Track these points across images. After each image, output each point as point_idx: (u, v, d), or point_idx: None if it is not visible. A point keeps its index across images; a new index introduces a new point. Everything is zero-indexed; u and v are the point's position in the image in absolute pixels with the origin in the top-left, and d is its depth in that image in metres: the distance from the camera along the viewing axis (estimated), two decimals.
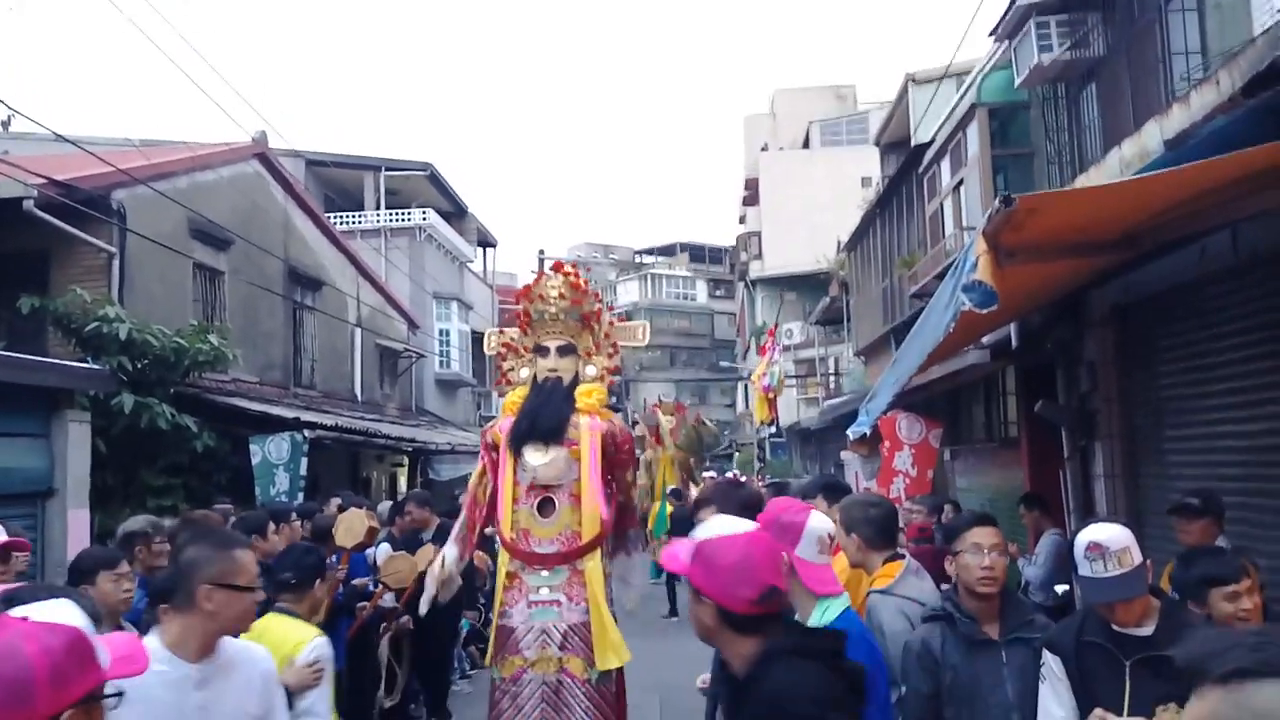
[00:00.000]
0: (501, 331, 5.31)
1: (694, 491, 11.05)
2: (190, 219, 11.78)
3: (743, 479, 13.67)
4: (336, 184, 22.25)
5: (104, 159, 9.87)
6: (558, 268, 5.07)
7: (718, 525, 2.37)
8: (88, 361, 8.62)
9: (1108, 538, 2.80)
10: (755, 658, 2.16)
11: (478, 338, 21.68)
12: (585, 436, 4.63)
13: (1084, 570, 2.82)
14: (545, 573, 4.53)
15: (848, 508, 3.70)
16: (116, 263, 10.38)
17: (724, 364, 44.99)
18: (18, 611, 1.62)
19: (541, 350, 4.88)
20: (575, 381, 4.84)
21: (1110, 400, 6.49)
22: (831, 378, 26.04)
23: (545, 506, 4.59)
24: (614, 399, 37.17)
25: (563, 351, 4.85)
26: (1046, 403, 6.98)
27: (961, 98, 10.83)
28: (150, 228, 10.57)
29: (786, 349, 26.40)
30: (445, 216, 24.07)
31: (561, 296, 4.88)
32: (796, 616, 2.78)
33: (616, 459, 4.83)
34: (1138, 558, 2.80)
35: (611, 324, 5.15)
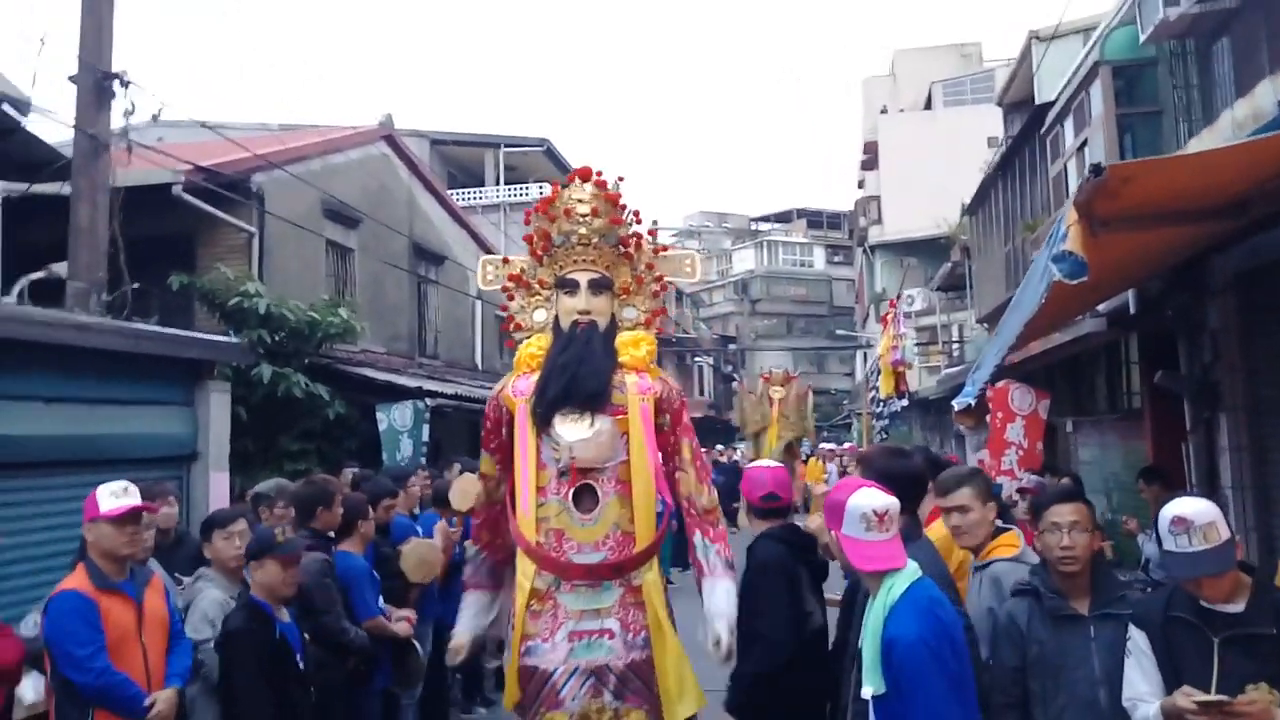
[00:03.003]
0: (506, 260, 4.03)
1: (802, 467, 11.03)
2: (322, 199, 12.36)
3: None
4: (458, 162, 22.87)
5: (243, 145, 10.49)
6: (585, 174, 3.75)
7: (760, 463, 4.35)
8: (231, 334, 9.23)
9: (1193, 512, 2.77)
10: (760, 534, 3.72)
11: None
12: (634, 402, 3.46)
13: (1169, 545, 2.80)
14: (590, 591, 3.34)
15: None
16: (256, 242, 11.00)
17: (841, 332, 44.28)
18: None
19: (568, 285, 3.65)
20: (614, 328, 3.66)
21: (1235, 370, 6.23)
22: (954, 345, 25.42)
23: (584, 498, 3.41)
24: (729, 368, 36.90)
25: (596, 288, 3.63)
26: (1167, 373, 6.74)
27: (1086, 56, 10.40)
28: (286, 209, 11.19)
29: (908, 316, 25.88)
30: None
31: (595, 214, 3.65)
32: (870, 592, 2.85)
33: (673, 430, 3.63)
34: (1225, 533, 2.77)
35: (656, 252, 3.89)
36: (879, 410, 17.04)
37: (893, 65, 37.05)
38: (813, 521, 4.61)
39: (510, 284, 3.89)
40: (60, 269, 7.73)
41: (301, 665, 3.90)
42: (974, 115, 29.04)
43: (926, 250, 28.32)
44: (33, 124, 8.26)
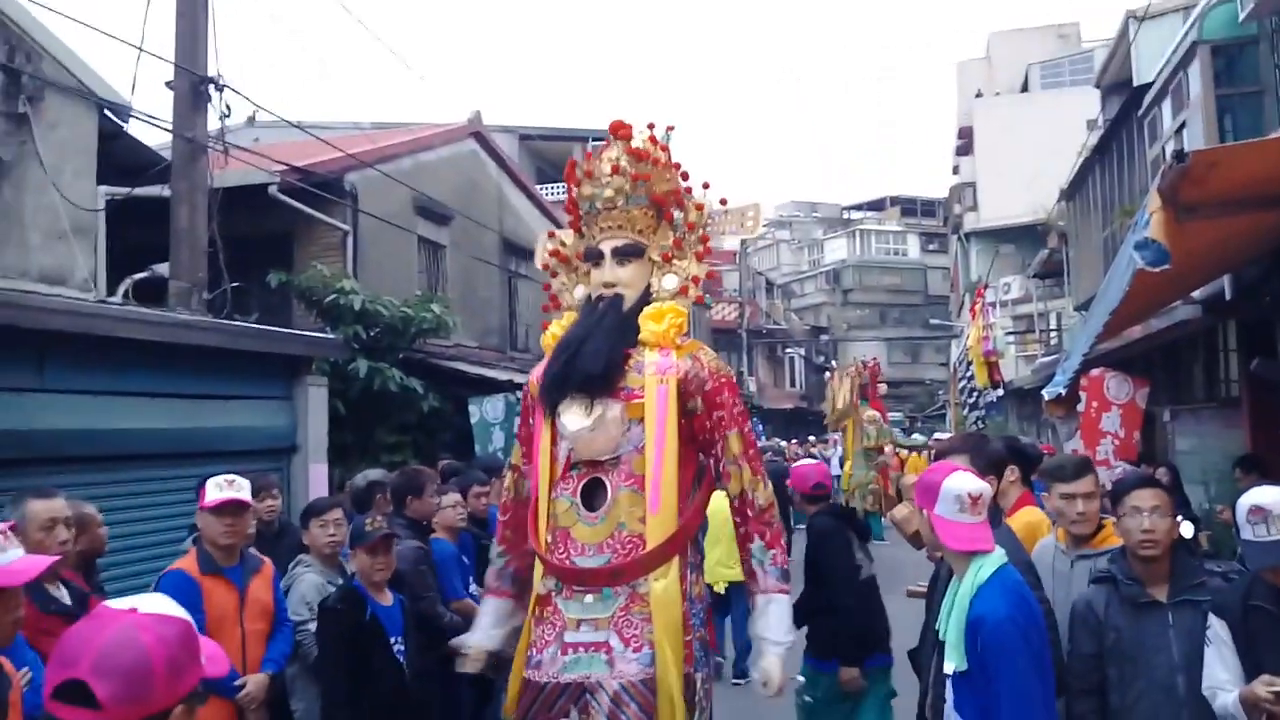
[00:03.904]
0: (551, 234, 3.61)
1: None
2: (414, 197, 12.68)
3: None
4: (547, 156, 23.16)
5: (336, 145, 10.83)
6: (617, 129, 3.26)
7: (804, 461, 5.69)
8: (328, 331, 9.57)
9: (1271, 501, 2.76)
10: (812, 515, 4.93)
11: None
12: (651, 384, 3.02)
13: (1246, 534, 2.81)
14: (589, 598, 2.95)
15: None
16: (350, 240, 11.34)
17: (935, 321, 43.37)
18: (125, 603, 1.54)
19: (594, 256, 3.25)
20: (646, 299, 3.21)
21: None
22: (1051, 334, 24.71)
23: (594, 494, 3.04)
24: (821, 358, 36.49)
25: (623, 256, 3.20)
26: (1263, 360, 6.51)
27: (1184, 35, 10.02)
28: (379, 207, 11.53)
29: (1004, 304, 25.20)
30: None
31: (616, 171, 3.18)
32: (955, 574, 2.92)
33: (711, 416, 3.12)
34: None
35: (699, 209, 3.33)
36: (973, 401, 16.65)
37: (988, 48, 36.11)
38: (899, 512, 4.65)
39: (551, 260, 3.49)
40: (162, 269, 8.07)
41: (401, 647, 4.01)
42: (1072, 98, 28.13)
43: (1023, 237, 27.60)
44: (134, 129, 8.64)
